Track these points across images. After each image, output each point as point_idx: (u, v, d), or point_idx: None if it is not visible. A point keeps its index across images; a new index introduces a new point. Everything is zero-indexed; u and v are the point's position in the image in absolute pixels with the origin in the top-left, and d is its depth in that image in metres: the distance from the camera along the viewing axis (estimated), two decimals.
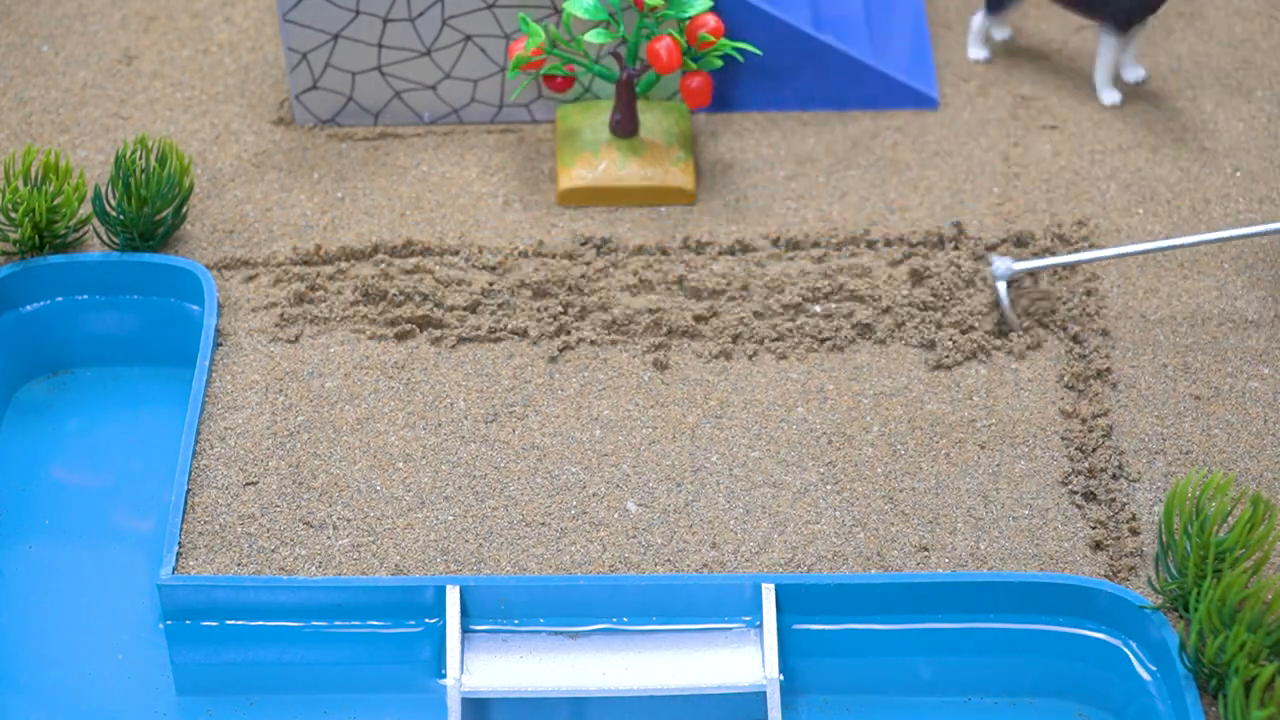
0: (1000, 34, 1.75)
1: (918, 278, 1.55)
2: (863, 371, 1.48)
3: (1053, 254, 1.54)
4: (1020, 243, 1.57)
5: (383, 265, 1.56)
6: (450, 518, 1.40)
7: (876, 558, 1.38)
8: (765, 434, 1.45)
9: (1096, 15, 1.66)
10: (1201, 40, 1.74)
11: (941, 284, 1.54)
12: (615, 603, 1.37)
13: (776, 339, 1.50)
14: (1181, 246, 1.51)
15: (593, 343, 1.50)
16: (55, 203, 1.53)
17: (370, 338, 1.51)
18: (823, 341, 1.49)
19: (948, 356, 1.49)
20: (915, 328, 1.51)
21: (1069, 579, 1.36)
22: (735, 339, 1.49)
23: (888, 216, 1.60)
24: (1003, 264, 1.51)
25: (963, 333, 1.51)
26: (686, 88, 1.59)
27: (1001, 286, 1.50)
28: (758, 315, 1.50)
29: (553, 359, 1.48)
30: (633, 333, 1.50)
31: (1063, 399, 1.47)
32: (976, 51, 1.73)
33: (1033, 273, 1.52)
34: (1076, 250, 1.56)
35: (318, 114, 1.68)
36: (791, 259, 1.57)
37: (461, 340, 1.50)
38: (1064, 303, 1.53)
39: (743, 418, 1.46)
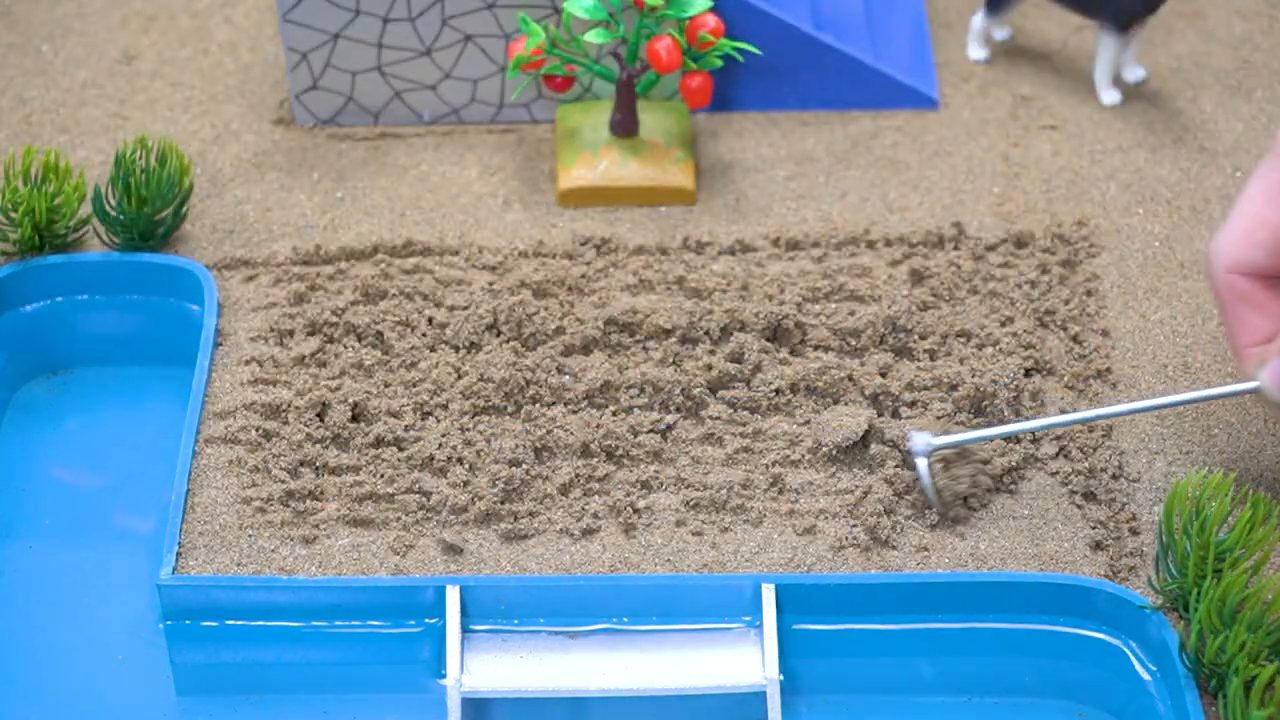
0: (1000, 34, 1.75)
1: (918, 278, 1.55)
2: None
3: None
4: (1020, 243, 1.57)
5: (383, 265, 1.55)
6: (451, 517, 1.40)
7: (876, 558, 1.38)
8: (765, 433, 1.45)
9: (1096, 15, 1.66)
10: (1201, 40, 1.74)
11: (941, 284, 1.54)
12: (615, 603, 1.37)
13: (774, 340, 1.50)
14: (1106, 417, 1.40)
15: (594, 342, 1.50)
16: (55, 203, 1.53)
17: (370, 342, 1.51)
18: (828, 350, 1.49)
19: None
20: (916, 327, 1.51)
21: (1069, 579, 1.36)
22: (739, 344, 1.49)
23: (888, 216, 1.60)
24: (921, 439, 1.39)
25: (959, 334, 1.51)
26: (686, 88, 1.59)
27: (922, 464, 1.39)
28: (757, 315, 1.50)
29: (554, 358, 1.48)
30: (634, 333, 1.50)
31: (1063, 399, 1.47)
32: (976, 51, 1.73)
33: (961, 446, 1.40)
34: (1075, 246, 1.56)
35: (318, 114, 1.67)
36: (792, 259, 1.57)
37: (462, 344, 1.50)
38: (1064, 303, 1.53)
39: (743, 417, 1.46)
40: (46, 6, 1.78)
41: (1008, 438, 1.41)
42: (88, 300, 1.56)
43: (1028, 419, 1.43)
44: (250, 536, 1.39)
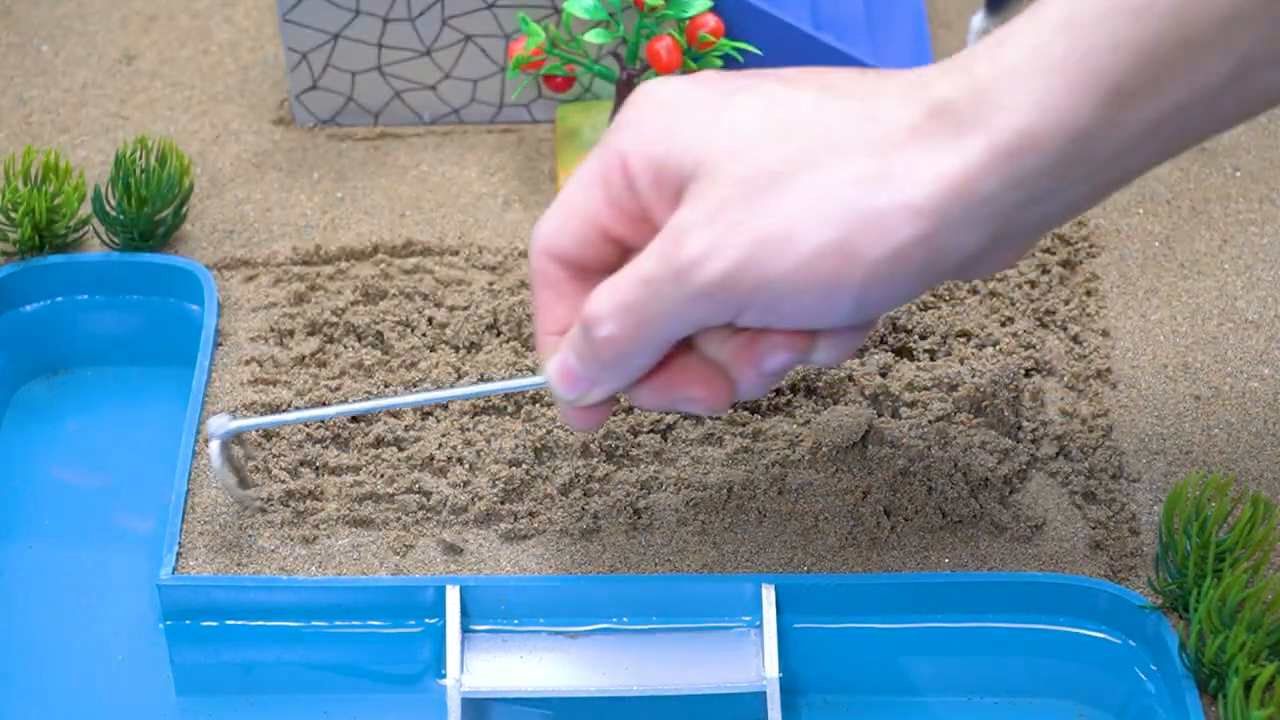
0: None
1: None
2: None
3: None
4: None
5: (383, 265, 1.55)
6: (451, 516, 1.40)
7: (876, 558, 1.37)
8: (765, 433, 1.45)
9: None
10: None
11: (945, 285, 1.53)
12: (615, 603, 1.37)
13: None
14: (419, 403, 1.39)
15: None
16: (55, 203, 1.53)
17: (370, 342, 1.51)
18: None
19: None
20: (918, 330, 1.51)
21: (1069, 579, 1.36)
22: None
23: None
24: (218, 422, 1.35)
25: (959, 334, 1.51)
26: None
27: (214, 447, 1.34)
28: None
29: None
30: None
31: (1062, 399, 1.47)
32: None
33: (253, 432, 1.37)
34: (1075, 246, 1.56)
35: (318, 114, 1.68)
36: None
37: (463, 345, 1.50)
38: (1064, 303, 1.53)
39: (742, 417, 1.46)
40: (46, 6, 1.78)
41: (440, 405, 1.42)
42: (88, 300, 1.56)
43: (348, 403, 1.43)
44: (250, 536, 1.39)
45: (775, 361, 1.23)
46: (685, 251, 1.17)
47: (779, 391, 1.46)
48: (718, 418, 1.45)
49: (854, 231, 1.14)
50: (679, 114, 1.21)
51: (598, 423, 1.29)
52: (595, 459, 1.42)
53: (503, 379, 1.42)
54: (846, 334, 1.23)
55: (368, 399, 1.44)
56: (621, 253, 1.26)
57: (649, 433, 1.44)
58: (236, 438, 1.39)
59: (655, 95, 1.23)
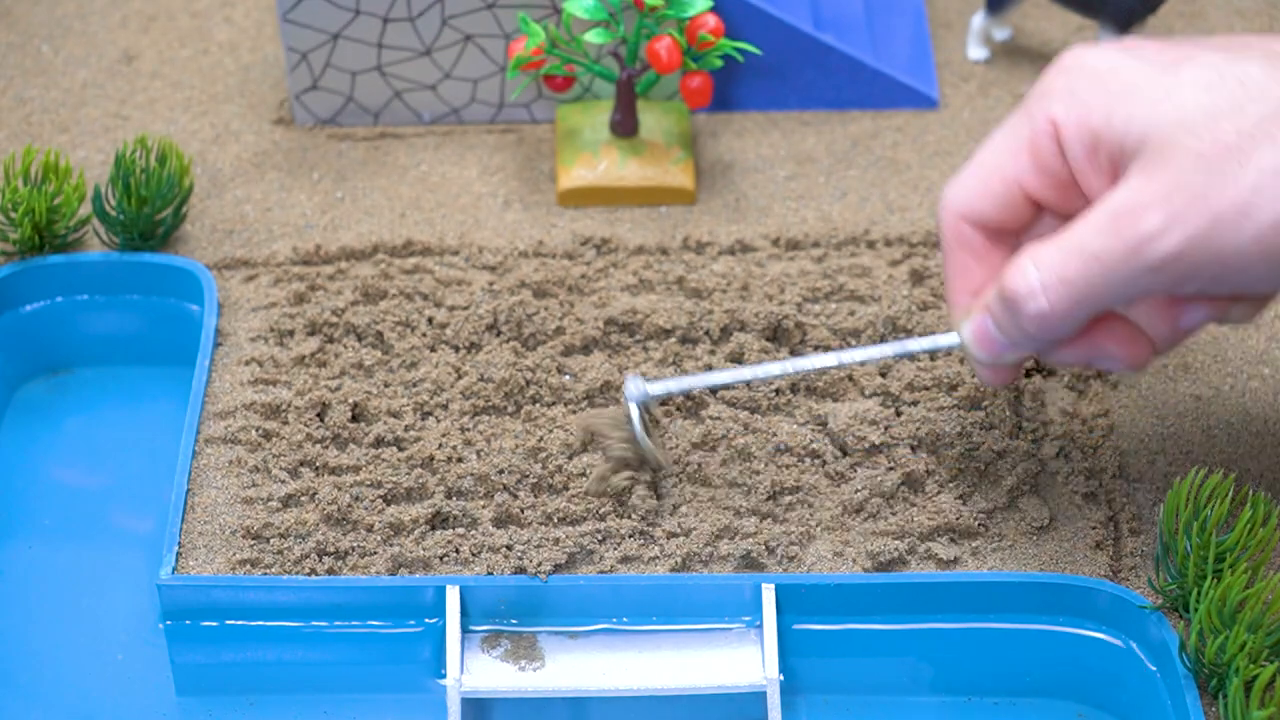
0: (1000, 34, 1.75)
1: (918, 278, 1.55)
2: (862, 372, 1.48)
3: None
4: None
5: (383, 265, 1.56)
6: (454, 515, 1.40)
7: (877, 558, 1.37)
8: (765, 433, 1.45)
9: (1096, 15, 1.66)
10: None
11: (941, 284, 1.53)
12: (615, 603, 1.37)
13: (774, 340, 1.50)
14: (815, 369, 1.38)
15: (594, 342, 1.50)
16: (55, 203, 1.53)
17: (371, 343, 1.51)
18: (828, 350, 1.49)
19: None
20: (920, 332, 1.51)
21: (1069, 579, 1.36)
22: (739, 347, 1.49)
23: (888, 216, 1.60)
24: (635, 385, 1.36)
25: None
26: (686, 88, 1.59)
27: (634, 410, 1.36)
28: (757, 315, 1.50)
29: (554, 358, 1.48)
30: (634, 333, 1.50)
31: (1063, 399, 1.47)
32: (976, 51, 1.73)
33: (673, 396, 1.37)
34: None
35: (318, 114, 1.68)
36: (792, 259, 1.57)
37: (464, 345, 1.50)
38: None
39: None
40: (46, 6, 1.78)
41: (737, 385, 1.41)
42: (88, 300, 1.56)
43: (745, 365, 1.43)
44: (250, 537, 1.39)
45: (1194, 319, 1.26)
46: (1142, 227, 1.18)
47: (779, 391, 1.46)
48: (717, 417, 1.45)
49: None
50: (1117, 84, 1.21)
51: (1011, 379, 1.32)
52: (596, 458, 1.42)
53: (918, 338, 1.37)
54: (1266, 296, 1.25)
55: (764, 364, 1.40)
56: (1037, 216, 1.28)
57: None
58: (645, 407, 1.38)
59: (1089, 63, 1.23)
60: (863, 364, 1.44)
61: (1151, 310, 1.27)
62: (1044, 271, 1.21)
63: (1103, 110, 1.22)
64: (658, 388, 1.38)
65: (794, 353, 1.49)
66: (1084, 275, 1.20)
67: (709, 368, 1.47)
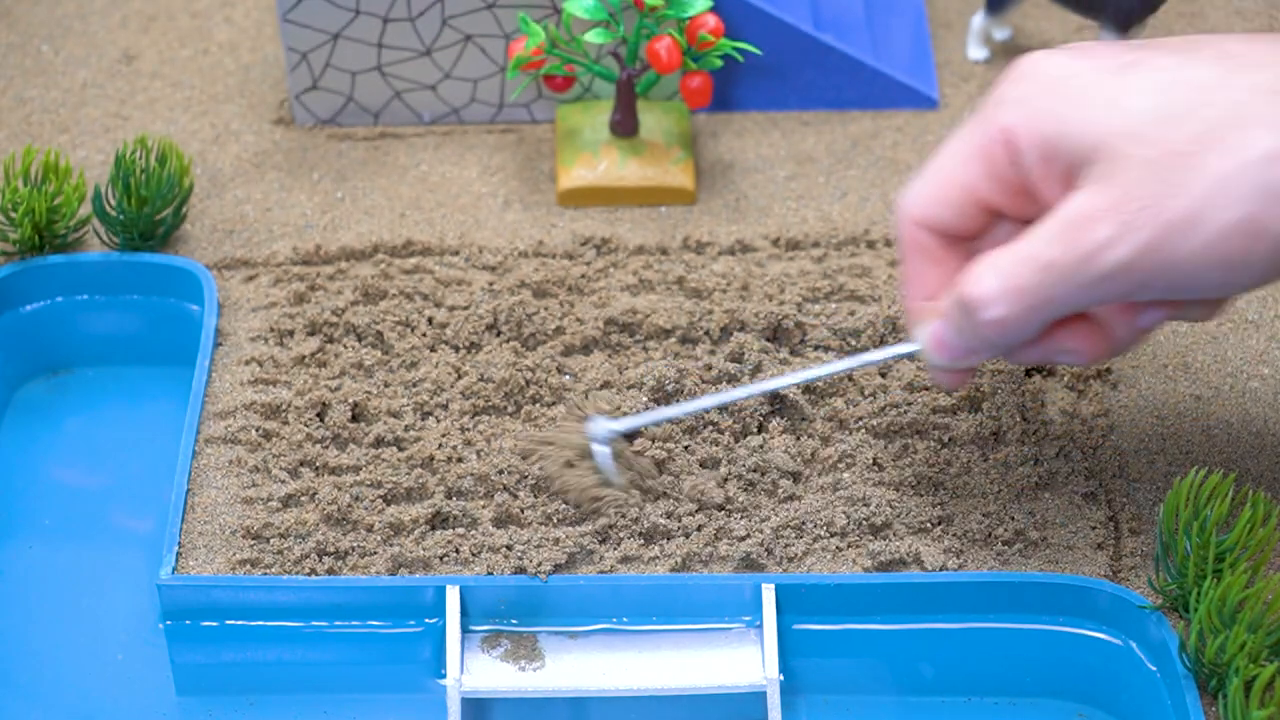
0: (1000, 34, 1.75)
1: None
2: (862, 372, 1.48)
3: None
4: None
5: (383, 265, 1.56)
6: (454, 515, 1.40)
7: (877, 558, 1.37)
8: (766, 432, 1.45)
9: (1096, 15, 1.66)
10: None
11: None
12: (615, 603, 1.37)
13: (774, 340, 1.50)
14: (784, 386, 1.40)
15: (594, 342, 1.50)
16: (55, 203, 1.53)
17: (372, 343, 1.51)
18: (828, 350, 1.49)
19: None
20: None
21: (1069, 579, 1.36)
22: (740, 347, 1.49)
23: (888, 216, 1.60)
24: (599, 425, 1.38)
25: None
26: (686, 88, 1.59)
27: (601, 450, 1.37)
28: (757, 315, 1.50)
29: (554, 358, 1.48)
30: (634, 333, 1.50)
31: (1063, 399, 1.47)
32: (976, 51, 1.73)
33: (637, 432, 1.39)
34: None
35: (318, 114, 1.68)
36: (791, 259, 1.57)
37: (464, 345, 1.50)
38: None
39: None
40: (46, 6, 1.78)
41: (699, 414, 1.41)
42: (88, 300, 1.56)
43: (705, 395, 1.42)
44: (251, 537, 1.39)
45: (1152, 319, 1.27)
46: (1093, 237, 1.18)
47: (778, 392, 1.46)
48: (714, 421, 1.45)
49: (1262, 208, 1.15)
50: (1069, 91, 1.21)
51: (965, 383, 1.34)
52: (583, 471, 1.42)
53: (875, 350, 1.38)
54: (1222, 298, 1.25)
55: (727, 390, 1.42)
56: (993, 221, 1.28)
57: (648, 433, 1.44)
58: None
59: (1042, 70, 1.23)
60: (826, 378, 1.44)
61: (1110, 311, 1.27)
62: (1000, 279, 1.21)
63: (1055, 118, 1.21)
64: (623, 425, 1.38)
65: (794, 353, 1.49)
66: (1038, 284, 1.20)
67: (709, 368, 1.47)
